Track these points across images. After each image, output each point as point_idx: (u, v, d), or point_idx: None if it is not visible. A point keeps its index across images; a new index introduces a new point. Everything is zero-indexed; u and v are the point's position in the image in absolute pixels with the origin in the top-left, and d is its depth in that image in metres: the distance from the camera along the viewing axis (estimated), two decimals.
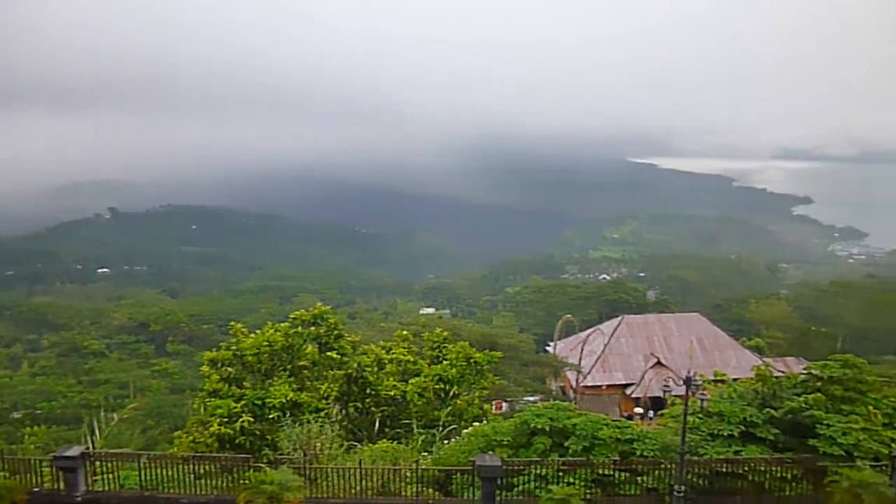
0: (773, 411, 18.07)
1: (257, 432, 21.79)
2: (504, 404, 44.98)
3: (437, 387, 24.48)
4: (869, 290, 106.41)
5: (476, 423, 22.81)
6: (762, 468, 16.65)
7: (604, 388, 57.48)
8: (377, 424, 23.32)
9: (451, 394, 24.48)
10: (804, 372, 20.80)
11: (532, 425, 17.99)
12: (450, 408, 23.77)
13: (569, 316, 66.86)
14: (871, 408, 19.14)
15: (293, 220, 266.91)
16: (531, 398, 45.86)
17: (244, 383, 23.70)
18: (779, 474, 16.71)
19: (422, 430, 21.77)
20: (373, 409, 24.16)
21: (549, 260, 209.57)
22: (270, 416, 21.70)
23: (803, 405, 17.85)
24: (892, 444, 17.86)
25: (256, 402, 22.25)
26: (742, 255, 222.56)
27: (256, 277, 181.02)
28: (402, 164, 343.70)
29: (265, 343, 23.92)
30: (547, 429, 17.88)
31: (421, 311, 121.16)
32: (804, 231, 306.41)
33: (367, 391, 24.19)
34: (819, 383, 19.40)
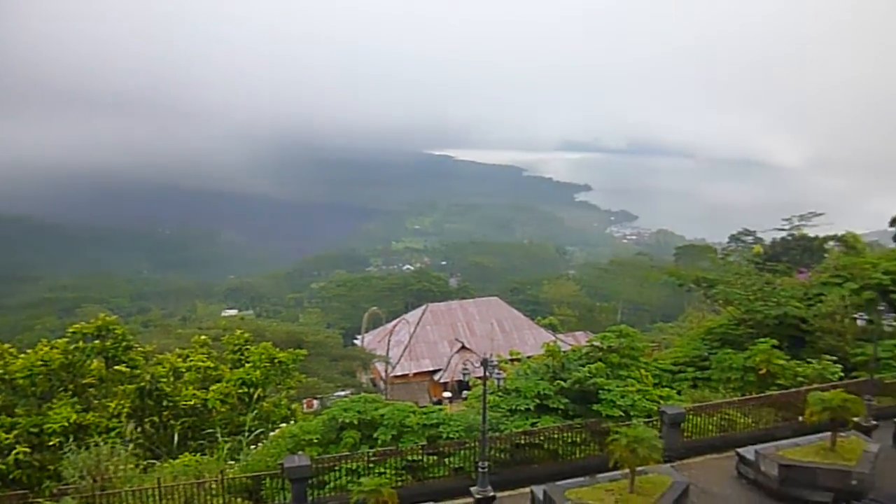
0: (562, 383, 19.69)
1: (36, 463, 19.58)
2: (315, 402, 44.47)
3: (240, 391, 23.56)
4: (640, 267, 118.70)
5: (284, 425, 22.36)
6: (555, 436, 18.08)
7: (412, 375, 58.76)
8: (177, 438, 21.98)
9: (256, 397, 23.71)
10: (588, 344, 22.88)
11: (340, 420, 18.01)
12: (255, 411, 23.01)
13: (375, 308, 67.42)
14: (643, 371, 21.56)
15: (73, 224, 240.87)
16: (342, 393, 45.69)
17: (16, 410, 21.13)
18: (570, 440, 18.25)
19: (227, 438, 20.85)
20: (172, 422, 22.72)
21: (354, 253, 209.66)
22: (51, 444, 19.63)
23: (587, 374, 19.64)
24: (660, 401, 20.27)
25: (32, 429, 19.98)
26: (534, 239, 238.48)
27: (28, 291, 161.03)
28: (197, 161, 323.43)
29: (39, 363, 21.48)
30: (356, 422, 18.01)
31: (223, 314, 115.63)
32: (586, 216, 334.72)
33: (164, 404, 22.67)
34: (600, 353, 21.45)
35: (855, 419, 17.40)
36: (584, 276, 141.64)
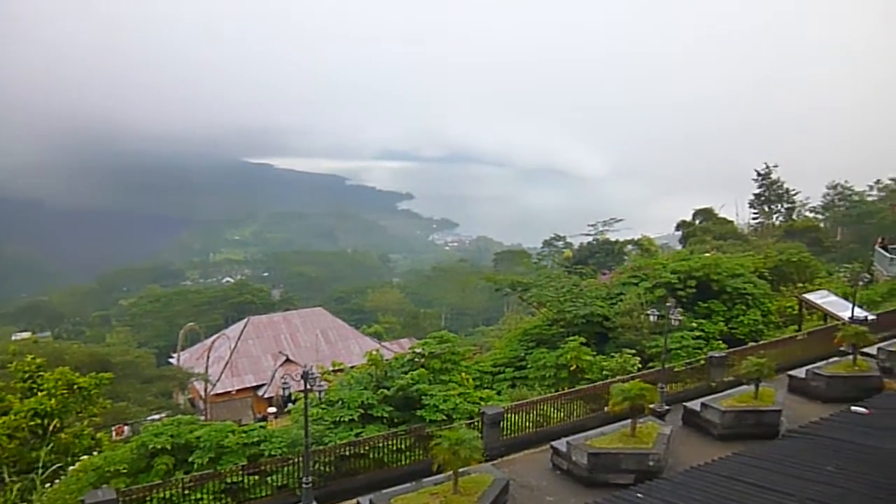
0: (386, 391, 19.73)
1: None
2: (126, 428, 41.02)
3: (32, 423, 21.11)
4: (462, 273, 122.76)
5: (86, 457, 20.36)
6: (380, 444, 18.03)
7: (235, 392, 56.21)
8: None
9: (53, 428, 21.36)
10: (410, 351, 23.16)
11: (151, 447, 16.73)
12: (51, 445, 20.72)
13: (192, 324, 63.74)
14: (464, 374, 22.18)
15: None
16: (156, 416, 42.58)
17: None
18: (395, 447, 18.28)
19: (16, 478, 18.59)
20: None
21: (168, 266, 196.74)
22: None
23: (410, 381, 19.85)
24: (481, 403, 20.98)
25: None
26: (358, 248, 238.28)
27: None
28: None
29: None
30: (169, 447, 16.82)
31: (13, 337, 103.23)
32: (409, 224, 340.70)
33: None
34: (422, 359, 21.78)
35: (651, 406, 19.07)
36: (408, 283, 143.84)
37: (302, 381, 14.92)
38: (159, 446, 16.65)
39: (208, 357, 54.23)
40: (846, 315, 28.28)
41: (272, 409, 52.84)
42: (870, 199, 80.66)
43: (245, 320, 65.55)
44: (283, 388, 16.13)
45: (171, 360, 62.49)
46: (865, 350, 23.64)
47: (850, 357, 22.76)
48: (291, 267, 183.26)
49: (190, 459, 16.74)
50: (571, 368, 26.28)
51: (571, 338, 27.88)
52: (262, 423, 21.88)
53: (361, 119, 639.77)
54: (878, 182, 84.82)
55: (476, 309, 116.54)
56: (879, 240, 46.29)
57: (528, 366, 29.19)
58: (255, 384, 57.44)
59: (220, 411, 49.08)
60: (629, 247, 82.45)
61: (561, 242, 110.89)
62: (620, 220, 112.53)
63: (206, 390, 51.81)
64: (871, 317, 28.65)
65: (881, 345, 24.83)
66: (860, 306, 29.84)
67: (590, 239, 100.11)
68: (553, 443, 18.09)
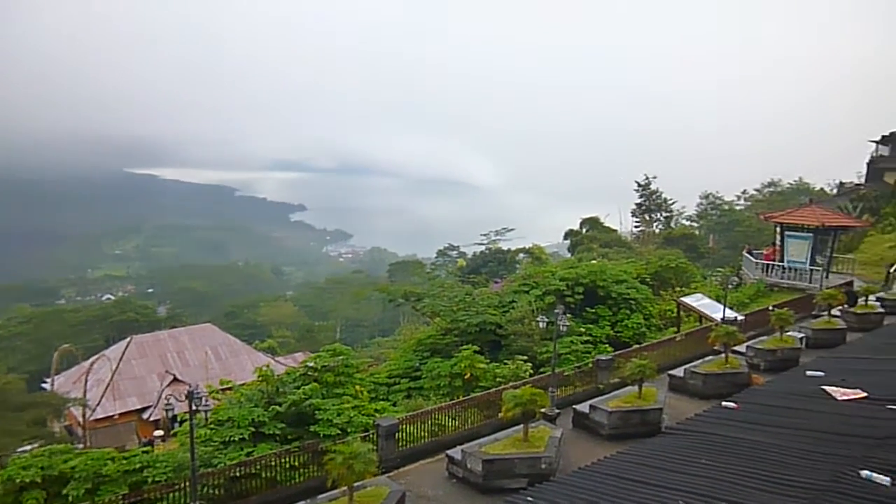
0: (278, 407, 19.25)
1: None
2: None
3: None
4: (357, 284, 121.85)
5: None
6: (273, 463, 17.57)
7: (117, 417, 53.05)
8: None
9: None
10: (302, 365, 22.71)
11: (19, 480, 15.54)
12: None
13: (67, 345, 59.62)
14: (357, 387, 21.98)
15: None
16: (27, 447, 39.57)
17: None
18: (288, 464, 17.85)
19: None
20: None
21: (40, 284, 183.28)
22: None
23: (303, 396, 19.46)
24: (376, 415, 20.86)
25: None
26: (250, 261, 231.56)
27: None
28: None
29: None
30: (39, 480, 15.67)
31: None
32: (302, 235, 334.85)
33: None
34: (315, 373, 21.41)
35: (542, 410, 19.60)
36: (302, 296, 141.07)
37: (187, 401, 14.32)
38: (28, 480, 15.48)
39: (87, 380, 50.93)
40: (718, 316, 30.17)
41: (159, 433, 50.26)
42: (738, 208, 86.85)
43: (128, 339, 62.07)
44: (167, 410, 15.42)
45: (44, 385, 58.29)
46: (736, 348, 25.30)
47: (723, 355, 24.28)
48: (179, 282, 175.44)
49: (64, 492, 15.67)
50: (466, 377, 26.61)
51: (465, 346, 28.23)
52: (146, 448, 20.81)
53: (251, 128, 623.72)
54: (744, 192, 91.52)
55: (371, 320, 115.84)
56: (746, 246, 49.76)
57: (423, 376, 29.29)
58: (139, 407, 54.41)
59: (102, 438, 46.15)
60: (521, 255, 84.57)
61: (455, 252, 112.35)
62: (512, 229, 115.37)
63: (84, 416, 48.69)
64: (740, 317, 30.73)
65: (749, 343, 26.70)
66: (731, 308, 31.95)
67: (483, 248, 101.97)
68: (448, 452, 18.23)
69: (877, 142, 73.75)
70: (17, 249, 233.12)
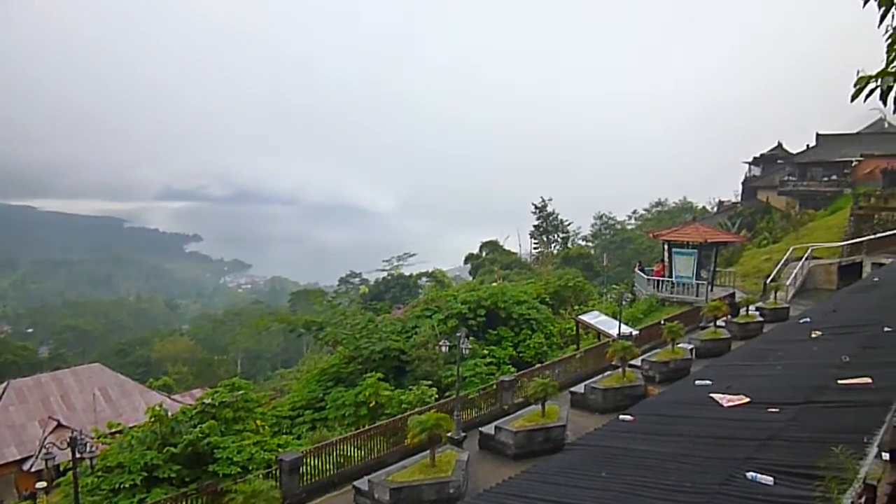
0: (172, 448, 18.29)
1: None
2: None
3: None
4: (257, 315, 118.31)
5: None
6: None
7: None
8: None
9: None
10: (199, 402, 21.72)
11: None
12: None
13: None
14: (259, 421, 21.24)
15: None
16: None
17: None
18: None
19: None
20: None
21: None
22: None
23: (200, 434, 18.60)
24: (279, 450, 20.21)
25: None
26: (141, 295, 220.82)
27: None
28: None
29: None
30: None
31: None
32: (198, 267, 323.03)
33: None
34: (213, 410, 20.52)
35: (448, 434, 19.59)
36: (198, 329, 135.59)
37: (70, 449, 13.37)
38: None
39: None
40: (615, 332, 31.27)
41: (41, 485, 46.62)
42: (629, 227, 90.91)
43: (4, 384, 57.52)
44: (47, 459, 14.35)
45: None
46: (632, 362, 26.28)
47: (620, 370, 25.16)
48: (62, 320, 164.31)
49: None
50: (371, 405, 26.29)
51: (369, 374, 27.93)
52: (26, 503, 19.24)
53: (135, 156, 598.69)
54: (634, 212, 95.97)
55: (273, 352, 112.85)
56: (638, 263, 52.07)
57: (328, 406, 28.72)
58: (18, 458, 50.37)
59: None
60: (423, 280, 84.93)
61: (357, 279, 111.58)
62: (414, 254, 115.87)
63: None
64: (634, 332, 31.96)
65: (644, 356, 27.81)
66: (626, 323, 33.20)
67: (385, 274, 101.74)
68: (355, 483, 17.89)
69: (749, 163, 79.47)
70: None
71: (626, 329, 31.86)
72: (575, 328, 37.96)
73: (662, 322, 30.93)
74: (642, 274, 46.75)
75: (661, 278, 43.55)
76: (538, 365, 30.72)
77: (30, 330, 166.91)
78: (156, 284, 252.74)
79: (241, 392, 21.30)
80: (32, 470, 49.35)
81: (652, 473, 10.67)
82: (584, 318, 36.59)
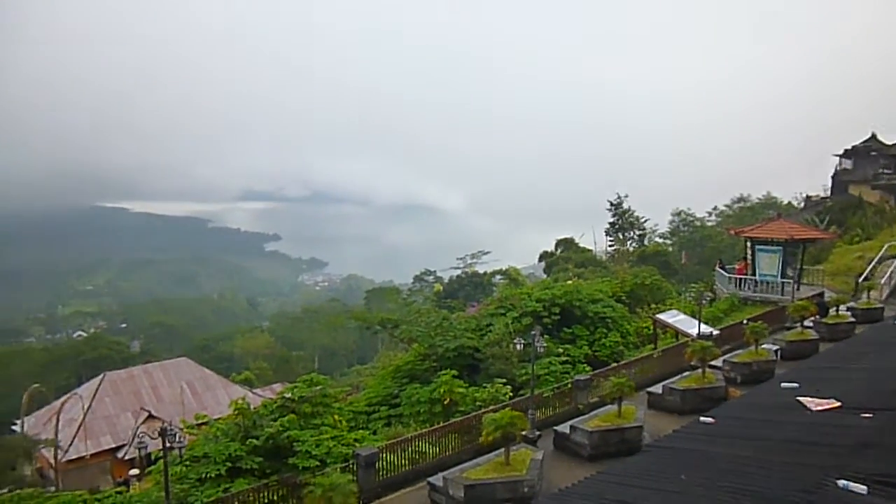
0: (255, 441, 18.91)
1: None
2: None
3: None
4: (333, 312, 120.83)
5: None
6: (250, 498, 17.22)
7: (90, 457, 51.75)
8: None
9: None
10: (279, 396, 22.38)
11: None
12: None
13: (36, 385, 58.20)
14: (336, 416, 21.71)
15: None
16: None
17: None
18: (266, 499, 17.52)
19: None
20: None
21: (5, 324, 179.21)
22: None
23: (280, 428, 19.15)
24: (356, 444, 20.60)
25: None
26: (224, 293, 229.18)
27: None
28: None
29: None
30: None
31: None
32: (277, 265, 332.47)
33: None
34: (292, 404, 21.10)
35: (522, 433, 19.52)
36: (277, 326, 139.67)
37: (161, 439, 14.03)
38: None
39: (58, 420, 49.72)
40: (694, 332, 30.41)
41: (134, 472, 49.12)
42: (709, 224, 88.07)
43: (101, 377, 60.81)
44: (140, 448, 15.09)
45: (13, 427, 56.80)
46: (712, 363, 25.50)
47: (700, 371, 24.44)
48: (151, 316, 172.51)
49: None
50: (445, 402, 26.42)
51: (443, 371, 28.07)
52: (120, 489, 20.33)
53: (220, 159, 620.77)
54: (714, 208, 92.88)
55: (349, 348, 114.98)
56: (718, 261, 50.41)
57: (402, 403, 29.04)
58: (113, 446, 53.18)
59: (74, 479, 44.97)
60: (497, 278, 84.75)
61: (431, 277, 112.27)
62: (487, 252, 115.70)
63: (55, 457, 47.46)
64: (714, 332, 30.99)
65: (725, 357, 26.92)
66: (705, 323, 32.24)
67: (458, 272, 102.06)
68: (429, 479, 18.04)
69: (840, 156, 75.60)
70: None
71: (705, 329, 30.96)
72: (652, 327, 37.10)
73: (745, 322, 29.88)
74: (723, 272, 45.27)
75: (744, 276, 42.07)
76: (614, 364, 30.20)
77: (123, 325, 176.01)
78: (237, 282, 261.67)
79: (318, 387, 21.81)
80: (126, 458, 52.02)
81: (733, 478, 10.33)
82: (661, 316, 35.74)
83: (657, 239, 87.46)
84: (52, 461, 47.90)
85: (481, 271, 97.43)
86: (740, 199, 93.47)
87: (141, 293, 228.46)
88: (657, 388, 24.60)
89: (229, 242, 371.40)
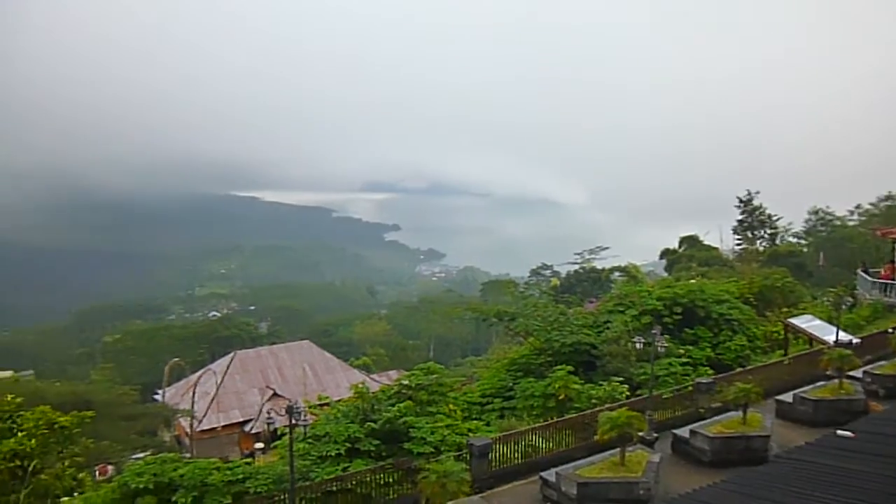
0: (373, 424, 19.55)
1: None
2: (110, 468, 40.26)
3: (11, 465, 20.64)
4: (449, 303, 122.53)
5: (66, 498, 19.94)
6: (367, 479, 17.82)
7: (220, 429, 55.42)
8: None
9: (32, 469, 20.89)
10: (397, 383, 22.99)
11: (133, 486, 16.45)
12: (30, 487, 20.26)
13: (177, 359, 62.93)
14: (451, 405, 22.03)
15: None
16: (140, 455, 41.86)
17: None
18: (382, 481, 18.08)
19: None
20: None
21: (151, 302, 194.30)
22: None
23: (397, 413, 19.69)
24: (469, 434, 20.82)
25: None
26: (345, 280, 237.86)
27: None
28: None
29: None
30: (151, 486, 16.54)
31: None
32: (395, 255, 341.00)
33: None
34: (409, 391, 21.63)
35: (639, 434, 19.02)
36: (394, 314, 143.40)
37: (287, 416, 14.78)
38: (141, 486, 16.37)
39: (194, 393, 53.53)
40: (831, 339, 28.45)
41: (259, 445, 52.09)
42: (851, 223, 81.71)
43: (231, 354, 64.92)
44: (269, 424, 15.96)
45: (156, 396, 61.66)
46: (851, 373, 23.75)
47: (836, 381, 22.83)
48: (277, 300, 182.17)
49: (173, 499, 16.45)
50: (559, 398, 26.15)
51: (559, 367, 27.79)
52: (248, 460, 21.59)
53: (344, 150, 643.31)
54: (858, 207, 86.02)
55: (463, 339, 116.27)
56: (861, 264, 46.83)
57: (516, 396, 28.99)
58: (241, 419, 56.67)
59: (206, 448, 48.33)
60: (615, 274, 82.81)
61: (548, 271, 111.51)
62: (606, 248, 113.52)
63: (191, 427, 51.11)
64: (855, 340, 28.83)
65: (866, 368, 24.95)
66: (844, 330, 30.06)
67: (576, 267, 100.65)
68: (542, 473, 17.93)
69: None
70: (131, 270, 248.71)
71: (844, 336, 28.87)
72: (783, 332, 35.00)
73: (890, 330, 27.60)
74: (866, 276, 41.99)
75: (891, 282, 38.82)
76: (739, 369, 28.80)
77: (252, 307, 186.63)
78: (357, 271, 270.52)
79: (435, 376, 22.23)
80: (252, 432, 55.27)
81: (872, 498, 9.57)
82: (793, 321, 33.64)
83: (790, 238, 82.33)
84: (188, 430, 51.65)
85: (599, 267, 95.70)
86: (888, 197, 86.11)
87: (269, 278, 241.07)
88: (787, 397, 23.19)
89: (351, 232, 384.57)
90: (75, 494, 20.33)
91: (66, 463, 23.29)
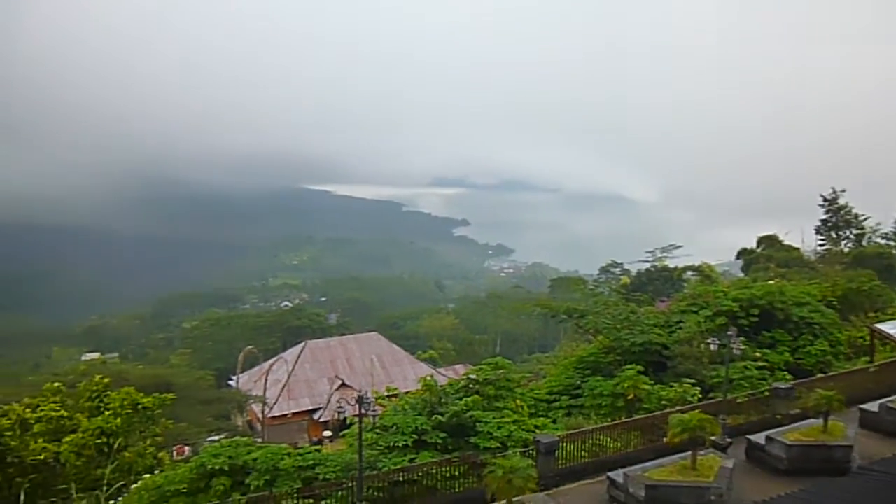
0: (440, 417, 19.67)
1: None
2: (187, 449, 41.98)
3: (98, 441, 21.81)
4: (517, 299, 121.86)
5: (148, 476, 20.90)
6: (433, 471, 17.96)
7: (290, 416, 56.91)
8: (23, 497, 19.98)
9: (117, 447, 22.03)
10: (464, 377, 23.05)
11: (210, 467, 17.10)
12: (115, 463, 21.35)
13: (251, 347, 64.85)
14: (518, 401, 21.95)
15: None
16: (214, 437, 43.46)
17: None
18: (448, 474, 18.18)
19: (82, 495, 19.22)
20: (17, 479, 20.65)
21: (227, 291, 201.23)
22: None
23: (464, 407, 19.75)
24: (536, 431, 20.70)
25: None
26: (413, 274, 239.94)
27: None
28: (38, 194, 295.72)
29: None
30: (226, 468, 17.16)
31: (83, 358, 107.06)
32: (464, 250, 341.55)
33: (8, 459, 20.60)
34: (476, 386, 21.66)
35: (712, 438, 18.50)
36: (462, 309, 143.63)
37: (357, 406, 15.04)
38: (217, 467, 16.99)
39: (266, 380, 55.07)
40: None
41: (327, 433, 53.23)
42: None
43: (302, 344, 66.50)
44: (339, 413, 16.27)
45: (230, 382, 63.81)
46: None
47: None
48: (347, 292, 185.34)
49: (246, 481, 17.03)
50: (628, 397, 25.68)
51: (628, 366, 27.28)
52: (317, 447, 22.11)
53: (414, 145, 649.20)
54: None
55: (530, 336, 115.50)
56: None
57: (584, 394, 28.62)
58: (310, 408, 58.02)
59: (277, 434, 49.68)
60: (688, 273, 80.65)
61: (618, 269, 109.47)
62: (679, 246, 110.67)
63: (263, 413, 52.64)
64: None
65: None
66: None
67: (647, 266, 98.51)
68: (609, 473, 17.68)
69: None
70: (208, 260, 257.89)
71: None
72: (869, 338, 33.32)
73: None
74: None
75: None
76: (820, 375, 27.62)
77: (323, 299, 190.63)
78: (425, 265, 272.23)
79: (502, 371, 22.20)
80: (320, 420, 56.51)
81: None
82: (881, 326, 31.97)
83: (879, 240, 78.17)
84: (260, 415, 53.22)
85: (671, 266, 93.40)
86: None
87: (339, 270, 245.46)
88: (872, 406, 22.10)
89: (420, 226, 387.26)
90: (155, 472, 21.26)
91: (148, 442, 24.45)
